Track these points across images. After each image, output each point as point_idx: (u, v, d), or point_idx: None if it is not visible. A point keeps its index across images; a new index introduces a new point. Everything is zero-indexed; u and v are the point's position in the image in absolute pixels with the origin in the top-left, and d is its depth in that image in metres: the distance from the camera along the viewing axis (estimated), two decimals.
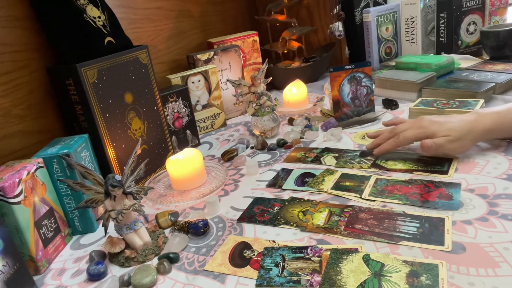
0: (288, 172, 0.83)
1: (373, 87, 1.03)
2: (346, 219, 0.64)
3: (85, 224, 0.74)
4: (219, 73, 1.21)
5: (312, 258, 0.56)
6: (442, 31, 1.40)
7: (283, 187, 0.77)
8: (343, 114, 1.03)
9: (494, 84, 1.02)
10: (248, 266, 0.57)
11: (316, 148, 0.92)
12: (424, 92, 1.09)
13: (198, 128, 1.12)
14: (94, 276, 0.60)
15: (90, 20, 0.80)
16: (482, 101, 0.93)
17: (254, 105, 1.01)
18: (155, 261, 0.62)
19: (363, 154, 0.84)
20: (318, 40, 1.57)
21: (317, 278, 0.52)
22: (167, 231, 0.70)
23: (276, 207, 0.71)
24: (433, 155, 0.77)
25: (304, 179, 0.79)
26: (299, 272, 0.54)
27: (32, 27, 0.81)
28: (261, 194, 0.77)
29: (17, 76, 0.78)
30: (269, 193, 0.77)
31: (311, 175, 0.80)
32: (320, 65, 1.47)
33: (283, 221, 0.66)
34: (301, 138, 1.00)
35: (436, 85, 1.09)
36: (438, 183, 0.69)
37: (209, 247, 0.63)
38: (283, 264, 0.56)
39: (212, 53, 1.19)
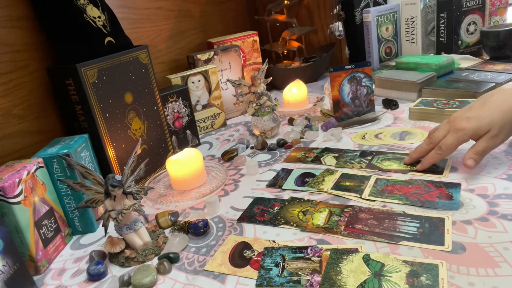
0: (288, 172, 0.83)
1: (373, 87, 1.03)
2: (346, 219, 0.64)
3: (85, 224, 0.74)
4: (219, 73, 1.21)
5: (312, 258, 0.56)
6: (442, 31, 1.40)
7: (283, 187, 0.77)
8: (343, 114, 1.03)
9: (494, 84, 1.02)
10: (248, 266, 0.57)
11: (316, 148, 0.92)
12: (424, 92, 1.08)
13: (198, 128, 1.12)
14: (94, 276, 0.60)
15: (90, 20, 0.80)
16: None
17: (254, 105, 1.01)
18: (155, 261, 0.62)
19: (363, 154, 0.84)
20: (318, 40, 1.57)
21: (317, 278, 0.52)
22: (167, 231, 0.70)
23: (276, 207, 0.71)
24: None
25: (304, 179, 0.79)
26: (299, 272, 0.54)
27: (32, 27, 0.81)
28: (261, 194, 0.77)
29: (17, 76, 0.78)
30: (269, 193, 0.77)
31: (311, 175, 0.80)
32: (320, 65, 1.47)
33: (283, 221, 0.66)
34: (301, 138, 1.00)
35: (436, 85, 1.09)
36: (438, 183, 0.69)
37: (209, 247, 0.63)
38: (283, 264, 0.56)
39: (212, 53, 1.19)
